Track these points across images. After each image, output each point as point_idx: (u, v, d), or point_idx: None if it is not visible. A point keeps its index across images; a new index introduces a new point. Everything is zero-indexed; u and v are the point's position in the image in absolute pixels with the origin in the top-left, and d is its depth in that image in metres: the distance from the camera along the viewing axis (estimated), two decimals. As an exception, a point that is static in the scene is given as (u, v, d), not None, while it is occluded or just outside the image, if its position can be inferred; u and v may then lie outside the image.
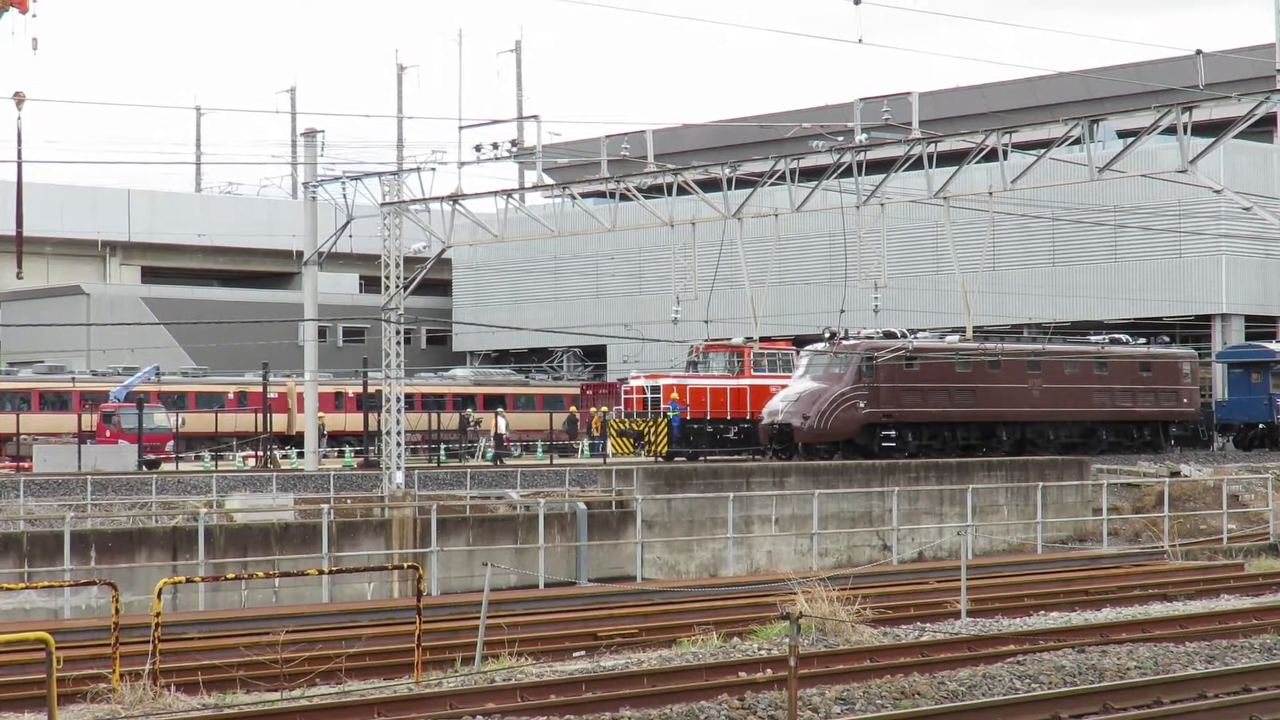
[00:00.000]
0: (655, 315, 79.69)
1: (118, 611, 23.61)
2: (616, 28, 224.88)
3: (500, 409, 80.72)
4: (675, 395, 65.53)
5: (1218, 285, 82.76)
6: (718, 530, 44.14)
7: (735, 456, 63.37)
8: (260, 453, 70.81)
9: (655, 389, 66.50)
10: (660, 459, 63.19)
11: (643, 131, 50.56)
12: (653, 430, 64.77)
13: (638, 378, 68.62)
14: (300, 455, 68.99)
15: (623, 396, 69.71)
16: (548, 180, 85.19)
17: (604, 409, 78.62)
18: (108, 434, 70.96)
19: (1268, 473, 51.28)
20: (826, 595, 28.47)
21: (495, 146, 50.86)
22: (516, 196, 52.68)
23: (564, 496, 47.81)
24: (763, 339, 60.22)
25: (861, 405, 59.80)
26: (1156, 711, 20.58)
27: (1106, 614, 31.66)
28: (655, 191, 51.57)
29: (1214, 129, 43.05)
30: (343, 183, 55.34)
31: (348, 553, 40.84)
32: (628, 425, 66.12)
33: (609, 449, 69.29)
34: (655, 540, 43.53)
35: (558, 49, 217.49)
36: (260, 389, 74.62)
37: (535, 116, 50.99)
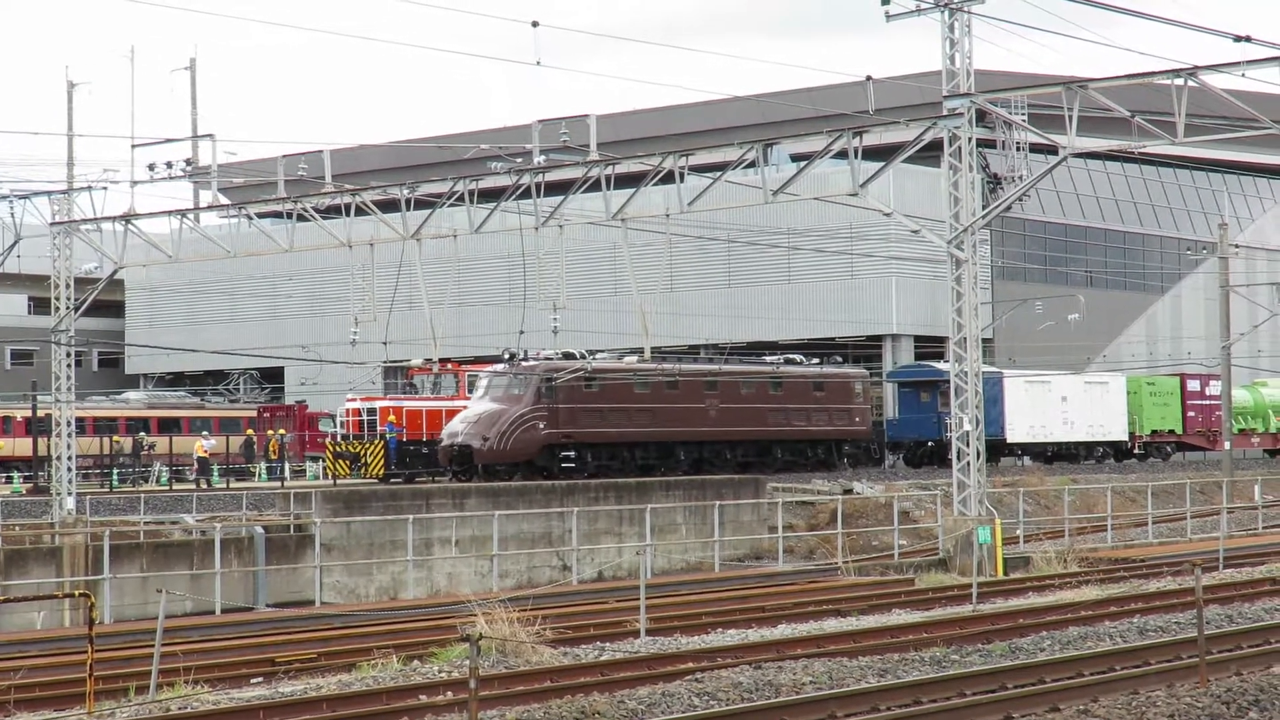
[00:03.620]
0: (334, 337, 79.23)
1: None
2: (293, 46, 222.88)
3: (205, 431, 79.25)
4: (392, 417, 65.40)
5: (888, 306, 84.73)
6: (397, 553, 43.89)
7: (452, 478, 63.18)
8: (-77, 479, 68.73)
9: (372, 411, 66.51)
10: (377, 480, 62.81)
11: (320, 151, 50.21)
12: (369, 452, 64.46)
13: (354, 399, 68.51)
14: (-34, 481, 67.11)
15: (339, 419, 69.31)
16: (223, 200, 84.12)
17: (281, 431, 77.83)
18: None
19: (937, 489, 52.47)
20: (507, 616, 28.45)
21: (169, 165, 50.06)
22: (191, 216, 51.92)
23: (241, 521, 47.14)
24: (442, 360, 60.11)
25: (541, 426, 59.95)
26: (831, 725, 20.94)
27: (782, 630, 32.09)
28: (333, 212, 51.25)
29: (884, 153, 44.05)
30: (10, 201, 53.94)
31: (16, 581, 39.81)
32: (344, 447, 65.74)
33: (325, 471, 68.74)
34: (334, 564, 43.12)
35: (234, 67, 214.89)
36: (-77, 413, 72.45)
37: (210, 135, 50.30)
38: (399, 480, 62.46)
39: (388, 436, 64.55)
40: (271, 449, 76.30)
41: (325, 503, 44.87)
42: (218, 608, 39.42)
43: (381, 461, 64.20)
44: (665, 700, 22.75)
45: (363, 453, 64.77)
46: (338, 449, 66.29)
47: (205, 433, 77.85)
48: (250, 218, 52.07)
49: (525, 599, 32.31)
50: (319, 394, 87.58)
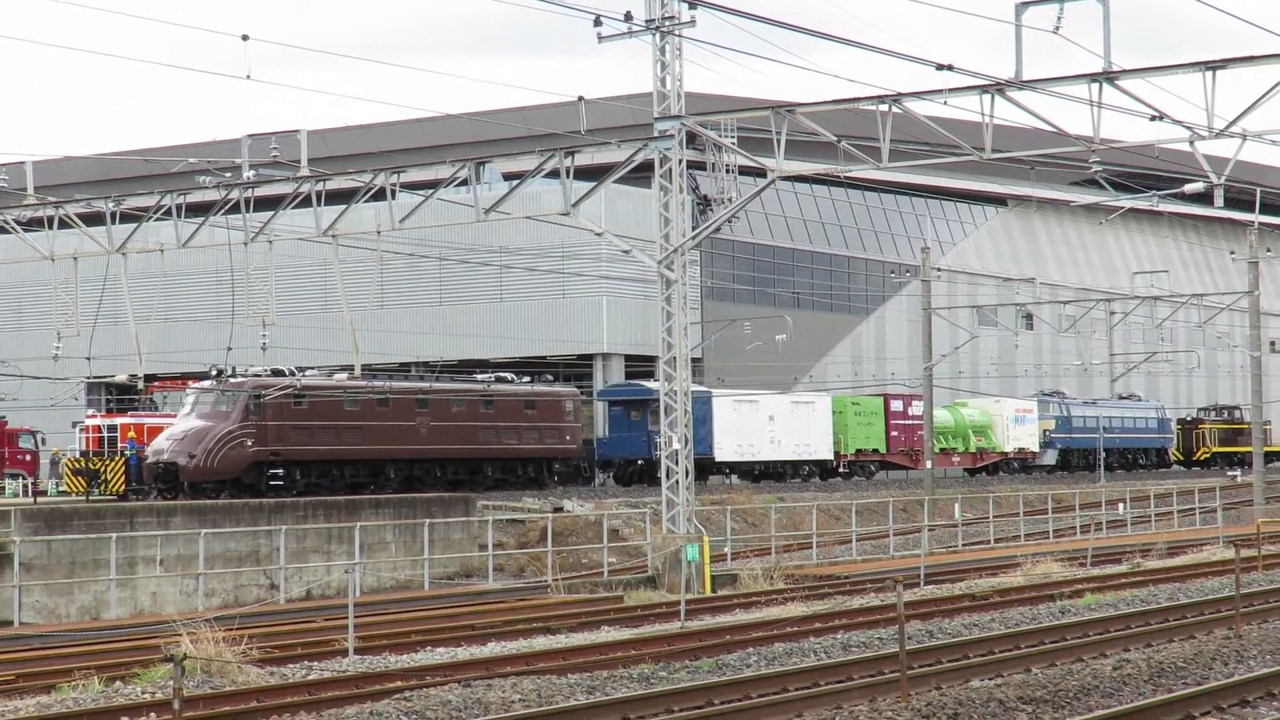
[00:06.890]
0: (36, 352, 77.38)
1: None
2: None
3: None
4: (132, 434, 64.23)
5: (599, 325, 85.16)
6: (100, 572, 43.09)
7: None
8: None
9: (113, 428, 65.40)
10: (117, 497, 61.59)
11: (22, 162, 49.22)
12: (110, 469, 63.21)
13: (94, 416, 67.18)
14: None
15: (79, 435, 68.03)
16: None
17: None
18: None
19: (646, 507, 52.87)
20: (213, 636, 28.10)
21: None
22: (-114, 227, 50.51)
23: (-64, 540, 45.93)
24: (181, 377, 59.29)
25: (249, 444, 59.27)
26: (540, 743, 21.02)
27: (492, 648, 32.09)
28: (35, 224, 50.24)
29: (596, 173, 44.31)
30: None
31: None
32: (83, 464, 64.36)
33: (63, 488, 67.27)
34: (34, 583, 42.19)
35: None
36: None
37: (-93, 144, 49.07)
38: (139, 497, 61.41)
39: (129, 453, 63.48)
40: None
41: (25, 521, 43.92)
42: (-89, 629, 38.38)
43: (122, 478, 63.14)
44: (373, 719, 22.64)
45: (102, 469, 63.63)
46: (76, 465, 65.05)
47: None
48: (-52, 230, 50.80)
49: (232, 618, 31.92)
50: (19, 410, 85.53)
